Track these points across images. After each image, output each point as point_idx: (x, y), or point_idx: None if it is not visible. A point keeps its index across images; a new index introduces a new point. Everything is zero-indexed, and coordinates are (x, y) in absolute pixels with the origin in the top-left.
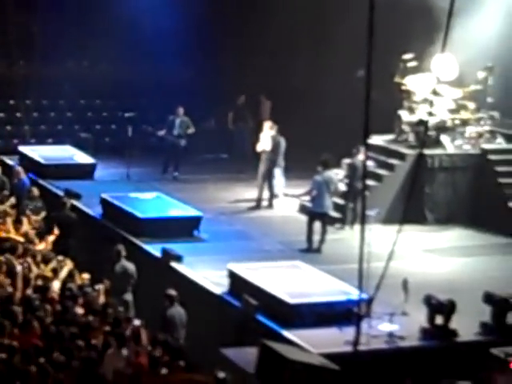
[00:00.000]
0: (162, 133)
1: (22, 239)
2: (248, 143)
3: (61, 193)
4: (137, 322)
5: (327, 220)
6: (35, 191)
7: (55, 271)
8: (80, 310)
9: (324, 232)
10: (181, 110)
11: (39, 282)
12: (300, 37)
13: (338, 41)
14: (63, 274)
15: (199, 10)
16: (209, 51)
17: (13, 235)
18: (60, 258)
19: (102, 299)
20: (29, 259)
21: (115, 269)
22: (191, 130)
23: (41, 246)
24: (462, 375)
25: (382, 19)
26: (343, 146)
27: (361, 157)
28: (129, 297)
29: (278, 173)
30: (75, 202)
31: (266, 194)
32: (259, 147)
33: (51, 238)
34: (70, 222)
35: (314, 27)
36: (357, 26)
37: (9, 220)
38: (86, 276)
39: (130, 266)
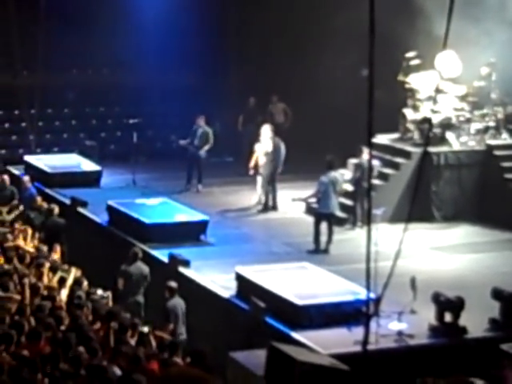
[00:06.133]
0: (183, 142)
1: (31, 249)
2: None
3: (67, 201)
4: (145, 329)
5: (334, 220)
6: (38, 201)
7: (62, 280)
8: (87, 318)
9: (331, 233)
10: (200, 120)
11: (45, 293)
12: (303, 35)
13: (341, 39)
14: (69, 282)
15: (202, 13)
16: (212, 55)
17: (22, 245)
18: (65, 267)
19: (110, 306)
20: (42, 268)
21: (130, 269)
22: (207, 146)
23: (55, 256)
24: (473, 372)
25: (383, 17)
26: (348, 146)
27: (365, 156)
28: (141, 299)
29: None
30: (82, 210)
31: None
32: (260, 150)
33: (58, 248)
34: (57, 228)
35: (318, 25)
36: (360, 24)
37: (16, 231)
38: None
39: (145, 269)
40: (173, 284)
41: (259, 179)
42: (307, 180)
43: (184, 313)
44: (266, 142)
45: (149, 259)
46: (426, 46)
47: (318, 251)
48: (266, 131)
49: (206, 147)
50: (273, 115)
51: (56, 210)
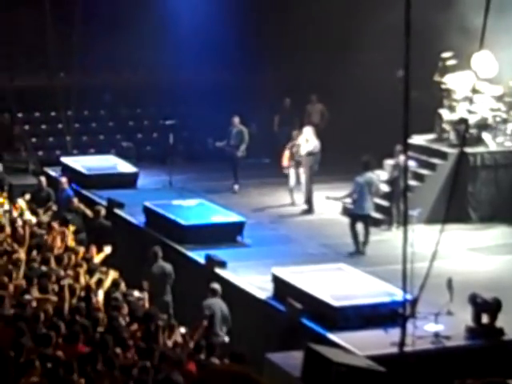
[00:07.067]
0: (219, 144)
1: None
2: None
3: (104, 202)
4: (182, 330)
5: (369, 221)
6: (75, 202)
7: (99, 282)
8: (123, 320)
9: (367, 234)
10: (235, 120)
11: (83, 293)
12: (341, 35)
13: (380, 38)
14: (107, 283)
15: (238, 12)
16: (248, 55)
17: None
18: (103, 268)
19: (146, 307)
20: (79, 269)
21: (153, 270)
22: (243, 145)
23: (97, 259)
24: (510, 374)
25: (422, 14)
26: (384, 146)
27: (402, 157)
28: (168, 298)
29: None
30: (118, 211)
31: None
32: (304, 150)
33: (95, 249)
34: (104, 230)
35: (356, 25)
36: (396, 25)
37: (54, 232)
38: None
39: (168, 267)
40: (215, 285)
41: (292, 179)
42: (343, 181)
43: (226, 316)
44: (310, 143)
45: (185, 260)
46: (462, 44)
47: (358, 252)
48: (308, 132)
49: (243, 147)
50: (310, 115)
51: (103, 211)
